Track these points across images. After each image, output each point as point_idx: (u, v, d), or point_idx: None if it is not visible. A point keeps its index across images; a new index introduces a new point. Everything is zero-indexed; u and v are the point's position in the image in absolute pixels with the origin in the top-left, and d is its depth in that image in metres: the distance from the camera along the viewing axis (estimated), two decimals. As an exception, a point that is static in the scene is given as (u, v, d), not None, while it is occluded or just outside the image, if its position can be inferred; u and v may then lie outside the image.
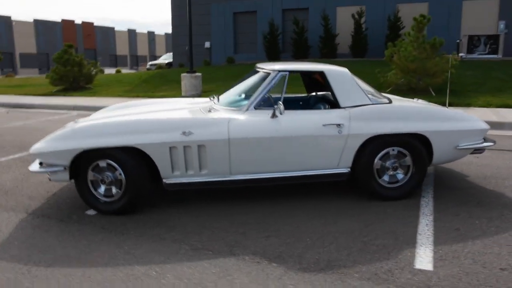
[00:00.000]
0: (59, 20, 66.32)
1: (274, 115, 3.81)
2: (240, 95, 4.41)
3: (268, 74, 4.04)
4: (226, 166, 3.82)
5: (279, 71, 4.01)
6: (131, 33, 77.87)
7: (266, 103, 3.98)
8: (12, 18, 59.55)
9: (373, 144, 3.90)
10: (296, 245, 3.18)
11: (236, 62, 22.28)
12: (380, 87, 11.64)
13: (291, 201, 4.07)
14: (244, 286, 2.66)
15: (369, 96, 4.10)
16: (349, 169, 3.95)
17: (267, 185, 4.07)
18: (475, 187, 4.38)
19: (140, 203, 3.88)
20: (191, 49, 13.22)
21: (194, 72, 13.07)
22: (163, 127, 3.74)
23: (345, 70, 4.12)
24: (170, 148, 3.71)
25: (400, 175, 4.02)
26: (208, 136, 3.72)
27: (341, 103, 3.95)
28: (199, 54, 24.01)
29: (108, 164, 3.74)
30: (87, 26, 72.01)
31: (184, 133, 3.71)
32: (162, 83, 16.29)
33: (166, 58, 29.88)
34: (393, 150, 3.95)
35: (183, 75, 13.01)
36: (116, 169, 3.74)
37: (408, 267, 2.81)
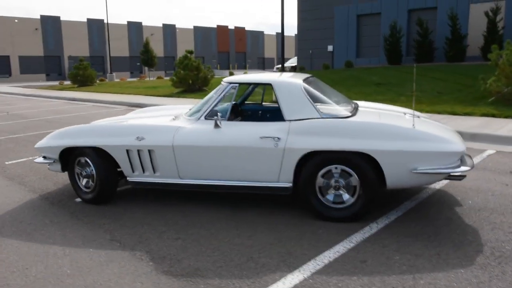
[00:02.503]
0: (214, 26, 73.40)
1: (216, 125, 3.96)
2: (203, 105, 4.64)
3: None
4: (175, 170, 4.13)
5: (229, 82, 4.14)
6: (279, 36, 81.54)
7: (221, 113, 4.15)
8: (176, 26, 68.01)
9: (314, 160, 3.71)
10: (189, 250, 3.33)
11: (356, 66, 21.72)
12: (479, 98, 10.23)
13: (233, 210, 4.15)
14: (113, 274, 2.97)
15: (323, 109, 3.90)
16: (290, 184, 3.85)
17: (215, 191, 4.22)
18: (452, 219, 3.75)
19: (108, 196, 4.46)
20: (283, 55, 13.51)
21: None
22: (123, 132, 4.25)
23: (296, 82, 3.98)
24: (127, 150, 4.20)
25: (346, 196, 3.73)
26: (156, 142, 4.10)
27: (286, 116, 3.86)
28: (321, 58, 24.14)
29: (86, 161, 4.43)
30: (239, 31, 77.99)
31: (137, 138, 4.16)
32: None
33: (293, 61, 30.69)
34: (335, 168, 3.69)
35: (274, 79, 13.42)
36: (90, 165, 4.40)
37: (258, 289, 2.73)
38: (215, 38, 73.88)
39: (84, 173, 4.47)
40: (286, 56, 72.35)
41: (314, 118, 3.78)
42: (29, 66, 51.95)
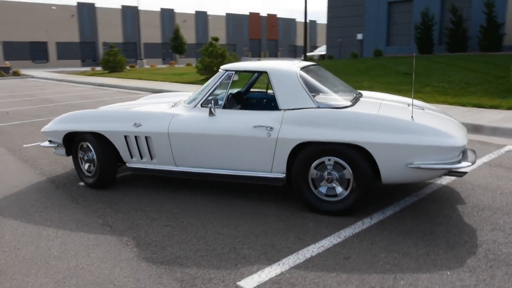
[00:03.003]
0: (246, 13, 73.03)
1: (211, 113, 3.92)
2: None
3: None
4: (170, 157, 4.13)
5: (226, 70, 4.08)
6: (312, 23, 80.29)
7: (220, 101, 4.11)
8: (208, 13, 68.16)
9: (307, 151, 3.62)
10: (175, 238, 3.33)
11: (386, 55, 21.13)
12: (510, 90, 9.73)
13: (227, 199, 4.12)
14: (96, 258, 3.02)
15: (320, 99, 3.78)
16: (284, 175, 3.77)
17: (211, 180, 4.19)
18: (452, 217, 3.57)
19: (107, 181, 4.53)
20: (306, 43, 13.25)
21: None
22: (121, 118, 4.28)
23: (292, 70, 3.87)
24: (125, 136, 4.24)
25: (339, 189, 3.62)
26: (153, 128, 4.10)
27: (280, 105, 3.77)
28: (350, 46, 23.62)
29: (87, 146, 4.50)
30: (271, 18, 77.26)
31: (135, 124, 4.18)
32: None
33: (321, 50, 30.14)
34: (329, 160, 3.58)
35: (296, 68, 13.21)
36: (91, 150, 4.48)
37: (233, 281, 2.70)
38: (246, 25, 73.54)
39: (86, 158, 4.55)
40: (318, 44, 71.31)
41: (309, 108, 3.68)
42: (66, 52, 53.51)
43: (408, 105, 4.15)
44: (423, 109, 4.15)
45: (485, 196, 4.04)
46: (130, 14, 58.61)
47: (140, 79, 20.00)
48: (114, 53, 26.46)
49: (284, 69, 3.92)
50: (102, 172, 4.42)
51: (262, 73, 4.40)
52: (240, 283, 2.68)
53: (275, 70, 3.90)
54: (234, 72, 4.07)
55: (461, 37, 18.22)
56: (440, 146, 3.32)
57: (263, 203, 4.01)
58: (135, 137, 4.20)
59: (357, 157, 3.48)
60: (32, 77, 26.94)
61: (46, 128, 4.77)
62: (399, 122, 3.45)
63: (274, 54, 75.75)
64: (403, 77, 13.43)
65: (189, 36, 64.14)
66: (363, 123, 3.46)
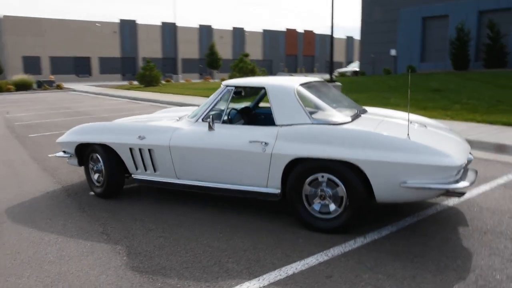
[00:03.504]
0: (283, 29, 73.66)
1: (210, 128, 4.00)
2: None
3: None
4: (172, 170, 4.24)
5: (226, 85, 4.16)
6: (349, 40, 79.94)
7: (220, 116, 4.19)
8: (245, 29, 69.28)
9: (301, 167, 3.61)
10: (165, 249, 3.40)
11: (420, 71, 20.70)
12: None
13: (225, 213, 4.15)
14: (87, 265, 3.13)
15: (318, 115, 3.78)
16: (279, 191, 3.77)
17: (210, 193, 4.24)
18: (451, 240, 3.43)
19: (114, 191, 4.69)
20: (332, 58, 13.20)
21: (334, 82, 13.06)
22: (127, 131, 4.45)
23: (289, 86, 3.89)
24: (130, 148, 4.39)
25: (332, 206, 3.58)
26: (155, 141, 4.23)
27: (276, 120, 3.80)
28: (384, 62, 23.31)
29: (97, 157, 4.69)
30: (308, 34, 77.57)
31: (139, 137, 4.33)
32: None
33: (355, 66, 29.88)
34: (322, 176, 3.56)
35: (322, 84, 13.17)
36: (100, 161, 4.66)
37: (210, 294, 2.72)
38: (283, 41, 74.16)
39: (95, 168, 4.74)
40: (354, 60, 70.76)
41: (304, 124, 3.68)
42: (107, 66, 55.90)
43: (411, 122, 4.06)
44: (425, 126, 4.05)
45: (492, 219, 3.86)
46: (169, 30, 60.58)
47: (172, 93, 20.56)
48: (150, 67, 27.39)
49: (281, 85, 3.96)
50: (110, 182, 4.59)
51: (258, 89, 4.45)
52: (214, 296, 2.70)
53: (272, 86, 3.95)
54: (234, 88, 4.15)
55: (499, 52, 17.59)
56: (435, 165, 3.23)
57: (258, 218, 4.02)
58: (139, 149, 4.34)
59: (350, 174, 3.44)
60: (74, 90, 28.30)
61: (61, 139, 5.02)
62: (393, 140, 3.38)
63: (310, 70, 75.80)
64: (432, 94, 13.10)
65: (226, 52, 65.47)
66: (356, 140, 3.43)
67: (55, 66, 52.03)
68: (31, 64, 49.73)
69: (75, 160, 4.96)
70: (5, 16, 48.46)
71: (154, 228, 3.86)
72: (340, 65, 74.22)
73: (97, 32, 55.01)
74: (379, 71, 22.92)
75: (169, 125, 4.32)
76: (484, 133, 7.63)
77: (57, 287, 2.88)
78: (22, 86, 27.40)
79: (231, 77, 18.47)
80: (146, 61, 28.33)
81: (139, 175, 4.50)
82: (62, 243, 3.60)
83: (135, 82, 31.75)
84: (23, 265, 3.21)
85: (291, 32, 74.24)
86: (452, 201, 4.37)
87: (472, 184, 3.42)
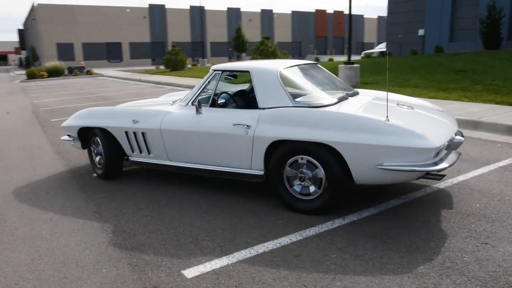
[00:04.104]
0: (313, 10, 72.33)
1: (198, 111, 4.10)
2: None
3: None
4: (164, 152, 4.39)
5: (214, 70, 4.23)
6: (381, 20, 77.57)
7: (208, 99, 4.28)
8: (273, 11, 68.53)
9: (281, 150, 3.66)
10: (149, 227, 3.56)
11: (449, 51, 19.96)
12: None
13: (214, 194, 4.27)
14: (73, 241, 3.34)
15: (302, 98, 3.80)
16: (262, 172, 3.85)
17: (201, 174, 4.36)
18: (430, 222, 3.41)
19: (114, 173, 4.90)
20: (350, 38, 12.93)
21: (352, 63, 12.83)
22: (123, 115, 4.62)
23: (273, 69, 3.91)
24: (126, 132, 4.56)
25: (312, 188, 3.63)
26: (148, 125, 4.38)
27: (259, 103, 3.85)
28: (412, 43, 22.61)
29: (97, 140, 4.90)
30: (338, 15, 75.82)
31: (133, 121, 4.49)
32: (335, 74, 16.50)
33: (382, 47, 29.07)
34: (301, 158, 3.60)
35: (340, 66, 12.98)
36: (100, 144, 4.87)
37: (178, 270, 2.86)
38: (312, 22, 72.91)
39: (96, 151, 4.96)
40: (382, 41, 68.59)
41: (285, 107, 3.72)
42: (138, 51, 56.86)
43: (397, 104, 4.01)
44: (412, 108, 3.99)
45: (479, 202, 3.80)
46: (198, 14, 60.72)
47: (195, 77, 20.78)
48: (175, 52, 27.70)
49: (265, 68, 3.99)
50: (108, 164, 4.80)
51: (243, 73, 4.47)
52: (183, 272, 2.83)
53: (256, 69, 3.98)
54: (221, 72, 4.21)
55: (533, 30, 16.67)
56: (411, 148, 3.20)
57: (246, 199, 4.12)
58: (134, 133, 4.51)
59: (328, 156, 3.46)
60: (102, 75, 29.08)
61: (65, 123, 5.26)
62: (370, 122, 3.37)
63: (340, 51, 74.35)
64: (455, 74, 12.65)
65: (254, 34, 65.10)
66: (334, 123, 3.44)
67: (88, 52, 53.44)
68: (65, 50, 51.29)
69: (78, 143, 5.20)
70: (39, 5, 49.99)
71: (144, 208, 4.03)
72: (371, 46, 72.28)
73: (127, 17, 55.90)
74: (406, 52, 22.24)
75: (161, 109, 4.45)
76: (499, 115, 7.36)
77: (43, 260, 3.09)
78: (54, 72, 28.41)
79: (252, 60, 18.45)
80: (172, 45, 28.64)
81: (135, 157, 4.68)
82: (57, 221, 3.83)
83: (162, 67, 32.22)
84: (18, 241, 3.45)
85: (320, 13, 72.80)
86: (443, 184, 4.31)
87: (451, 166, 3.37)
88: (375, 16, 77.71)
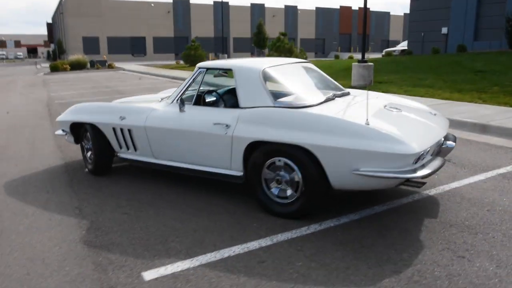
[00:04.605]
0: (337, 7, 71.35)
1: (181, 109, 4.06)
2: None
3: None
4: (149, 150, 4.37)
5: (199, 67, 4.17)
6: (407, 17, 75.88)
7: (192, 97, 4.23)
8: (298, 7, 68.01)
9: (259, 151, 3.58)
10: (124, 225, 3.54)
11: (473, 50, 19.31)
12: None
13: (196, 193, 4.22)
14: (46, 237, 3.36)
15: (284, 98, 3.70)
16: (241, 173, 3.77)
17: (184, 173, 4.31)
18: (409, 231, 3.26)
19: (103, 168, 4.91)
20: (364, 36, 12.65)
21: (365, 62, 12.55)
22: (111, 111, 4.62)
23: (256, 67, 3.82)
24: (113, 128, 4.57)
25: (289, 191, 3.53)
26: (133, 122, 4.37)
27: (240, 103, 3.77)
28: (434, 41, 21.99)
29: (88, 135, 4.93)
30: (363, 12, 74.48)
31: (120, 117, 4.48)
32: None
33: (404, 44, 28.38)
34: (279, 161, 3.50)
35: (353, 64, 12.72)
36: (90, 140, 4.90)
37: (139, 271, 2.82)
38: (337, 19, 71.96)
39: (87, 147, 4.99)
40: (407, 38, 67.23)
41: (265, 107, 3.62)
42: (161, 46, 57.42)
43: (385, 106, 3.86)
44: (400, 110, 3.82)
45: (467, 212, 3.62)
46: (221, 9, 60.90)
47: (212, 73, 20.79)
48: (194, 47, 27.82)
49: (247, 66, 3.90)
50: (97, 160, 4.82)
51: (227, 71, 4.38)
52: (144, 273, 2.80)
53: (239, 67, 3.90)
54: (205, 70, 4.15)
55: (562, 30, 15.90)
56: (388, 153, 3.06)
57: (227, 200, 4.05)
58: (121, 129, 4.50)
59: (304, 159, 3.36)
60: (123, 69, 29.51)
61: (59, 118, 5.31)
62: (347, 125, 3.25)
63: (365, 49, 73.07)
64: (473, 75, 12.21)
65: (278, 30, 64.86)
66: (310, 124, 3.33)
67: (112, 46, 54.32)
68: (90, 44, 52.30)
69: (71, 138, 5.24)
70: (66, -1, 51.05)
71: (124, 205, 4.02)
72: (397, 43, 70.80)
73: (151, 12, 56.49)
74: (428, 50, 21.64)
75: (147, 106, 4.43)
76: (511, 118, 7.05)
77: (12, 256, 3.11)
78: (77, 66, 29.01)
79: (269, 56, 18.31)
80: (191, 40, 28.76)
81: (123, 154, 4.68)
82: (37, 215, 3.86)
83: (182, 62, 32.42)
84: (-5, 234, 3.49)
85: (345, 10, 71.75)
86: (434, 190, 4.14)
87: (434, 173, 3.21)
88: (402, 13, 75.97)
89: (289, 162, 3.45)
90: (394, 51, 26.53)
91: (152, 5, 56.76)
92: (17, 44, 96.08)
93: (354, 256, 2.94)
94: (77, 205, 4.09)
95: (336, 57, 29.97)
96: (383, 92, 10.96)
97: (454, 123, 7.15)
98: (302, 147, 3.34)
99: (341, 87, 4.52)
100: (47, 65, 39.19)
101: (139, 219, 3.68)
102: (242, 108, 3.74)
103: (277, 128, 3.44)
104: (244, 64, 3.98)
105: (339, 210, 3.72)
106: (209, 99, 4.43)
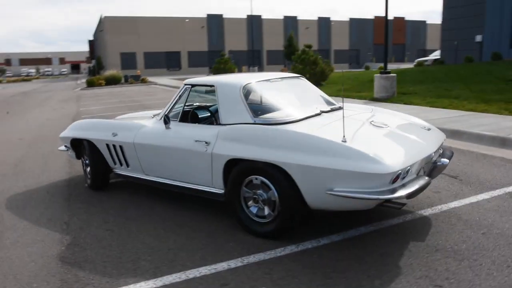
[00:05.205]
0: (371, 17, 70.43)
1: (167, 127, 4.06)
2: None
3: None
4: (139, 166, 4.40)
5: (185, 84, 4.17)
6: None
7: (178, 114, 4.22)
8: (331, 19, 67.69)
9: (237, 169, 3.50)
10: (103, 242, 3.55)
11: (509, 58, 18.46)
12: None
13: (184, 211, 4.18)
14: (28, 251, 3.42)
15: (267, 115, 3.63)
16: (222, 191, 3.71)
17: (173, 190, 4.29)
18: (389, 255, 3.07)
19: (100, 184, 4.98)
20: (386, 46, 12.33)
21: (388, 73, 12.21)
22: (105, 127, 4.70)
23: (237, 83, 3.76)
24: (107, 144, 4.64)
25: (266, 210, 3.42)
26: (124, 138, 4.42)
27: (221, 119, 3.73)
28: (468, 50, 21.20)
29: (85, 151, 5.03)
30: (398, 21, 73.21)
31: (113, 134, 4.55)
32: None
33: (437, 54, 27.49)
34: (256, 179, 3.41)
35: (375, 75, 12.41)
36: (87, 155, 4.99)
37: (102, 290, 2.80)
38: (371, 29, 71.01)
39: (86, 162, 5.09)
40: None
41: (245, 124, 3.56)
42: (195, 60, 58.70)
43: (371, 122, 3.69)
44: (386, 126, 3.64)
45: (459, 235, 3.37)
46: (255, 23, 61.47)
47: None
48: (224, 61, 28.20)
49: (229, 82, 3.86)
50: (94, 175, 4.90)
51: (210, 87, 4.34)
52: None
53: (220, 83, 3.87)
54: (190, 86, 4.14)
55: None
56: (360, 172, 2.91)
57: (211, 217, 3.99)
58: (113, 145, 4.56)
59: (280, 178, 3.25)
60: (155, 84, 30.30)
61: (62, 134, 5.46)
62: (321, 142, 3.12)
63: (401, 59, 71.66)
64: (504, 84, 11.62)
65: (311, 42, 64.58)
66: (285, 142, 3.23)
67: (148, 61, 56.07)
68: (128, 59, 54.22)
69: (73, 154, 5.37)
70: (105, 17, 53.37)
71: (111, 221, 4.04)
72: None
73: (186, 27, 57.97)
74: (461, 59, 20.85)
75: (137, 123, 4.47)
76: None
77: (-12, 270, 3.18)
78: (112, 81, 30.08)
79: (293, 69, 18.24)
80: (220, 54, 29.20)
81: (117, 169, 4.74)
82: (27, 230, 3.95)
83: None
84: (-17, 244, 3.59)
85: (379, 20, 70.56)
86: (430, 210, 3.91)
87: (416, 194, 3.01)
88: (440, 22, 73.85)
89: (265, 180, 3.35)
90: (426, 60, 25.73)
91: (187, 20, 58.24)
92: (62, 61, 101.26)
93: (321, 281, 2.79)
94: (67, 220, 4.15)
95: (367, 68, 29.42)
96: (404, 103, 10.68)
97: (472, 137, 6.80)
98: (276, 165, 3.24)
99: (334, 102, 4.38)
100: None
101: (119, 236, 3.68)
102: (222, 124, 3.69)
103: (252, 146, 3.36)
104: (225, 80, 3.94)
105: (321, 230, 3.57)
106: (202, 115, 4.41)
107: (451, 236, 3.36)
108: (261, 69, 53.65)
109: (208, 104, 4.67)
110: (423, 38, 74.55)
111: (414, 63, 27.92)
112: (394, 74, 12.29)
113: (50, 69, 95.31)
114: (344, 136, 3.12)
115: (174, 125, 4.07)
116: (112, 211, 4.31)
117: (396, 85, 12.17)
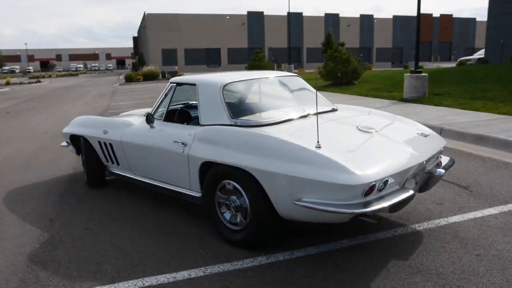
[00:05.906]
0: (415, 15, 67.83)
1: (151, 126, 3.96)
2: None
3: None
4: (127, 165, 4.33)
5: (170, 82, 4.04)
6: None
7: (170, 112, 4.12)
8: (374, 16, 65.93)
9: (211, 172, 3.34)
10: (77, 242, 3.50)
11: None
12: None
13: (167, 212, 4.07)
14: (5, 248, 3.45)
15: (251, 116, 3.45)
16: (199, 194, 3.56)
17: (158, 191, 4.18)
18: (365, 273, 2.79)
19: (95, 181, 4.97)
20: (418, 44, 11.70)
21: (419, 72, 11.58)
22: (98, 125, 4.67)
23: (217, 82, 3.58)
24: (99, 141, 4.61)
25: (239, 217, 3.23)
26: (113, 136, 4.37)
27: (201, 120, 3.57)
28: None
29: (83, 146, 5.04)
30: (445, 19, 70.20)
31: (104, 131, 4.51)
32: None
33: (481, 53, 25.94)
34: (228, 184, 3.23)
35: (405, 75, 11.80)
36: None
37: (55, 293, 2.73)
38: (415, 27, 68.50)
39: (83, 158, 5.10)
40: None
41: (222, 125, 3.39)
42: (235, 56, 58.99)
43: (357, 127, 3.40)
44: (375, 131, 3.34)
45: (449, 256, 3.03)
46: (295, 20, 60.85)
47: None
48: (259, 58, 28.07)
49: (210, 81, 3.70)
50: (88, 171, 4.90)
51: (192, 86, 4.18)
52: (53, 297, 2.70)
53: (201, 82, 3.71)
54: (175, 85, 4.02)
55: None
56: (327, 182, 2.66)
57: (194, 221, 3.85)
58: (104, 143, 4.53)
59: (251, 184, 3.06)
60: (191, 80, 30.64)
61: (64, 130, 5.51)
62: (291, 147, 2.89)
63: (446, 58, 68.72)
64: (548, 87, 10.70)
65: (353, 40, 63.20)
66: (254, 146, 3.03)
67: (189, 57, 57.00)
68: (168, 56, 55.36)
69: (73, 149, 5.40)
70: (148, 14, 54.70)
71: (93, 220, 4.00)
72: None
73: (226, 24, 58.37)
74: (507, 59, 19.55)
75: (125, 121, 4.41)
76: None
77: (-40, 265, 3.21)
78: (149, 76, 30.75)
79: (325, 67, 17.79)
80: (255, 51, 29.08)
81: (110, 167, 4.71)
82: (13, 225, 3.98)
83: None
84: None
85: (425, 17, 67.80)
86: (426, 224, 3.58)
87: (397, 208, 2.73)
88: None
89: (237, 186, 3.17)
90: (469, 60, 24.35)
91: (227, 17, 58.63)
92: (108, 56, 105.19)
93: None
94: (54, 216, 4.15)
95: (406, 67, 28.31)
96: (434, 105, 10.08)
97: (497, 143, 6.26)
98: (246, 171, 3.05)
99: (329, 104, 4.12)
100: (126, 75, 42.06)
101: (95, 236, 3.63)
102: (201, 125, 3.54)
103: (224, 149, 3.18)
104: (207, 79, 3.78)
105: (300, 240, 3.34)
106: (194, 114, 4.27)
107: (440, 256, 3.03)
108: (300, 67, 53.06)
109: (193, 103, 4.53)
110: (472, 36, 71.05)
111: (456, 62, 26.52)
112: (425, 74, 11.64)
113: (97, 64, 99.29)
114: (318, 142, 2.88)
115: (158, 124, 3.97)
116: (99, 210, 4.27)
117: (427, 85, 11.52)
